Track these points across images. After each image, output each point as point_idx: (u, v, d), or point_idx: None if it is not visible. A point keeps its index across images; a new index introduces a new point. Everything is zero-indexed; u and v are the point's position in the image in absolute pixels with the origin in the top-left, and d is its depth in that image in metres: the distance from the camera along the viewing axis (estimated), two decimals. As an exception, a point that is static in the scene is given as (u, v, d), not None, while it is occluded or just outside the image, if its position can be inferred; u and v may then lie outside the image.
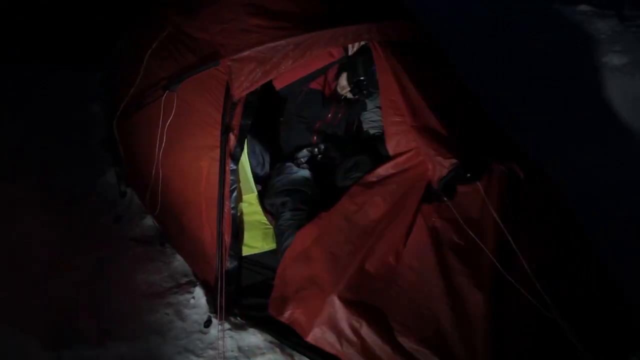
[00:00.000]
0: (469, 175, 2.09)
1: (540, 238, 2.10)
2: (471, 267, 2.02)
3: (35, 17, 3.88)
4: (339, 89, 2.79)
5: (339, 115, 2.80)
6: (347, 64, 2.65)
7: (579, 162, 3.36)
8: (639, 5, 4.59)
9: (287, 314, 2.22)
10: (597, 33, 4.38)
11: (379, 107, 2.96)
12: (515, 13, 4.68)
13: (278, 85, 2.59)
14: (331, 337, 2.09)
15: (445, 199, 2.10)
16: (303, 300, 2.20)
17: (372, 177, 2.28)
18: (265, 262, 2.55)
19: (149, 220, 2.91)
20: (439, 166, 2.10)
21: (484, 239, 2.03)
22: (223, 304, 2.28)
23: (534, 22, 4.56)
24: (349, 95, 2.78)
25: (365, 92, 2.70)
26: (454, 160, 2.08)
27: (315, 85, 2.76)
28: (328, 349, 2.10)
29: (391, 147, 2.29)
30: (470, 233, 2.05)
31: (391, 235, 2.14)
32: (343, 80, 2.75)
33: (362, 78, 2.65)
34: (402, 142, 2.25)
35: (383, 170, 2.27)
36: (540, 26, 4.51)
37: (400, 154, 2.24)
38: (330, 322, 2.08)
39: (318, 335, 2.11)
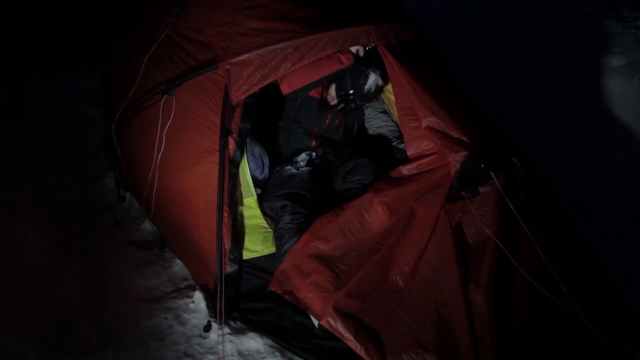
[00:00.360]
0: (482, 166, 2.09)
1: (539, 238, 2.09)
2: (476, 265, 2.04)
3: (32, 22, 3.85)
4: (329, 99, 2.77)
5: (336, 122, 2.80)
6: (336, 75, 2.62)
7: (577, 163, 3.37)
8: (637, 6, 4.60)
9: (298, 294, 2.22)
10: (596, 34, 4.39)
11: (383, 112, 2.95)
12: (514, 15, 4.69)
13: (285, 89, 2.59)
14: (343, 328, 2.10)
15: (463, 194, 2.11)
16: (316, 286, 2.18)
17: (394, 174, 2.28)
18: (264, 266, 2.53)
19: (148, 225, 2.90)
20: (453, 161, 2.12)
21: (500, 235, 2.04)
22: (222, 309, 2.27)
23: (532, 23, 4.57)
24: (331, 102, 2.76)
25: (353, 105, 2.68)
26: (464, 153, 2.09)
27: (312, 92, 2.75)
28: (340, 337, 2.11)
29: (411, 150, 2.30)
30: (486, 229, 2.06)
31: (414, 233, 2.15)
32: (332, 91, 2.74)
33: (350, 92, 2.63)
34: (422, 144, 2.27)
35: (406, 169, 2.28)
36: (539, 28, 4.52)
37: (423, 157, 2.25)
38: (344, 313, 2.10)
39: (331, 323, 2.13)
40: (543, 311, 2.00)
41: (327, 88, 2.75)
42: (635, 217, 3.05)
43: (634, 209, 3.10)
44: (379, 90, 2.67)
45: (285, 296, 2.23)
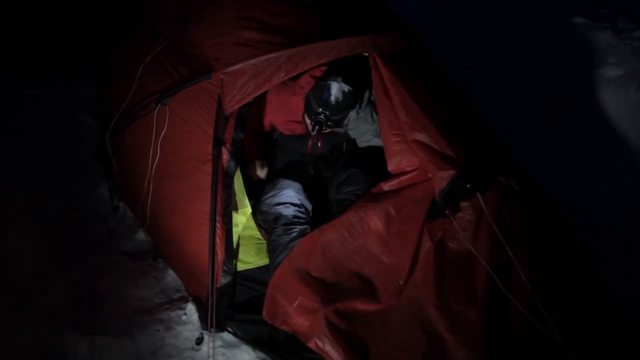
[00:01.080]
0: (468, 186, 2.07)
1: (534, 252, 2.08)
2: (467, 282, 2.01)
3: (29, 25, 3.80)
4: (308, 128, 2.60)
5: (319, 144, 2.73)
6: (305, 102, 2.55)
7: (573, 174, 3.36)
8: (633, 18, 4.61)
9: (289, 322, 2.20)
10: (592, 45, 4.40)
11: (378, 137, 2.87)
12: (510, 25, 4.70)
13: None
14: (331, 349, 2.09)
15: (447, 212, 2.08)
16: (303, 309, 2.17)
17: (375, 191, 2.26)
18: (258, 278, 2.51)
19: (141, 235, 2.88)
20: (439, 179, 2.09)
21: (481, 253, 2.01)
22: (214, 322, 2.24)
23: (528, 34, 4.58)
24: (313, 132, 2.56)
25: (329, 123, 2.49)
26: (452, 172, 2.07)
27: (284, 130, 2.72)
28: (328, 359, 2.10)
29: (392, 166, 2.27)
30: (470, 247, 2.04)
31: (397, 251, 2.13)
32: (306, 118, 2.59)
33: (319, 111, 2.45)
34: (403, 161, 2.24)
35: (387, 186, 2.25)
36: (535, 39, 4.53)
37: (405, 173, 2.22)
38: (330, 334, 2.08)
39: (319, 345, 2.12)
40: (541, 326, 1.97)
41: (303, 119, 2.64)
42: (634, 226, 3.03)
43: (632, 218, 3.09)
44: (349, 96, 2.46)
45: (282, 327, 2.23)
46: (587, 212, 3.03)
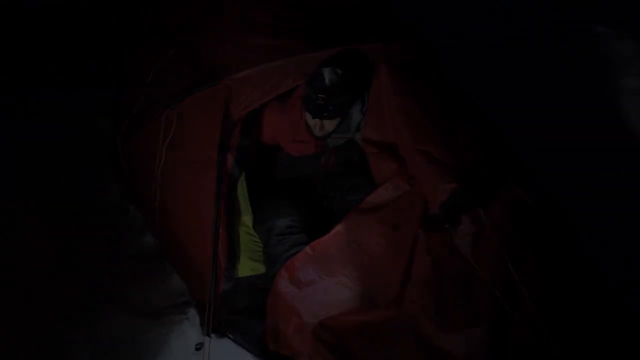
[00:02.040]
0: (470, 200, 2.02)
1: (544, 268, 2.02)
2: (469, 298, 1.96)
3: (43, 42, 3.86)
4: (316, 132, 2.44)
5: (332, 158, 2.63)
6: (304, 101, 2.38)
7: (594, 188, 3.27)
8: (658, 27, 4.50)
9: (290, 345, 2.18)
10: (615, 55, 4.31)
11: None
12: (530, 33, 4.64)
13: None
14: None
15: (447, 226, 2.04)
16: (298, 329, 2.15)
17: (364, 205, 2.23)
18: (261, 284, 2.49)
19: (149, 238, 2.89)
20: (440, 191, 2.05)
21: (484, 268, 1.96)
22: (210, 328, 2.25)
23: (549, 43, 4.51)
24: (318, 132, 2.43)
25: (331, 108, 2.30)
26: (454, 185, 2.03)
27: (292, 152, 2.63)
28: None
29: (375, 175, 2.27)
30: (472, 262, 1.99)
31: (387, 265, 2.10)
32: (309, 119, 2.40)
33: (318, 96, 2.27)
34: (381, 166, 2.23)
35: (371, 199, 2.23)
36: (555, 47, 4.45)
37: (385, 183, 2.21)
38: (320, 351, 2.05)
39: None
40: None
41: (306, 126, 2.47)
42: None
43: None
44: (344, 78, 2.28)
45: (283, 352, 2.21)
46: (606, 229, 2.94)
